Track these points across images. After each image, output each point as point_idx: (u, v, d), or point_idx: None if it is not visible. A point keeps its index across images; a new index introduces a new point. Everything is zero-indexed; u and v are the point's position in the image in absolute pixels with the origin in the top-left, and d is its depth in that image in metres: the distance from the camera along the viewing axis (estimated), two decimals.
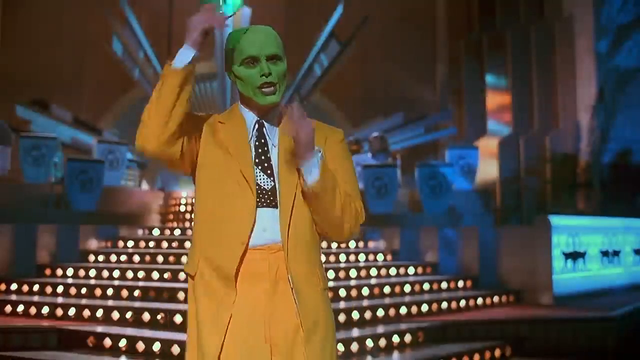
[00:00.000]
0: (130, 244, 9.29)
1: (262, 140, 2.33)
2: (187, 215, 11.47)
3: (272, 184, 2.28)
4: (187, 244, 8.82)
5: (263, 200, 2.27)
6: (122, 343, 6.19)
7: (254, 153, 2.30)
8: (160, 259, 8.52)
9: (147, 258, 8.60)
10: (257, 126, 2.34)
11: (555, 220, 9.10)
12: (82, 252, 8.95)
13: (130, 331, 6.43)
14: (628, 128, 14.50)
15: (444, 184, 9.92)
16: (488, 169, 13.66)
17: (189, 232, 9.78)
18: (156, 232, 9.94)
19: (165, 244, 9.05)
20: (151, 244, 9.22)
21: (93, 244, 9.33)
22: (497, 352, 6.93)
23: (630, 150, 14.40)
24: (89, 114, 14.45)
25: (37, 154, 9.98)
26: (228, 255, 2.26)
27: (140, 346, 6.11)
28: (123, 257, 8.73)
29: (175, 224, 11.13)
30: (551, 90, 14.79)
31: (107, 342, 6.26)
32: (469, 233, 9.45)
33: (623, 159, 14.36)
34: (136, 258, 8.64)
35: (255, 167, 2.29)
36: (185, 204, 11.67)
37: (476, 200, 10.64)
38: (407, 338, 6.65)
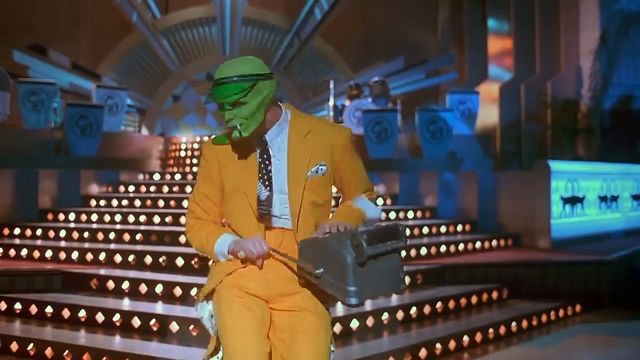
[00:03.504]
0: (132, 188, 9.34)
1: (265, 156, 2.58)
2: (187, 161, 11.50)
3: (268, 193, 2.56)
4: (188, 189, 8.88)
5: (261, 208, 2.57)
6: (125, 285, 6.30)
7: (257, 169, 2.58)
8: (161, 203, 8.59)
9: (149, 202, 8.66)
10: (261, 145, 2.59)
11: (555, 165, 9.11)
12: (83, 197, 9.00)
13: (132, 274, 6.53)
14: (630, 74, 14.38)
15: (445, 128, 9.91)
16: (488, 114, 13.62)
17: (189, 176, 9.83)
18: (157, 176, 9.98)
19: (166, 189, 9.10)
20: (152, 188, 9.27)
21: (94, 188, 9.38)
22: (495, 294, 7.03)
23: (631, 97, 14.32)
24: (87, 59, 14.32)
25: (36, 99, 9.95)
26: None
27: (143, 288, 6.21)
28: (124, 202, 8.80)
29: (175, 169, 11.17)
30: (554, 34, 14.61)
31: (110, 284, 6.37)
32: (469, 178, 9.49)
33: (624, 104, 14.28)
34: (137, 202, 8.71)
35: (258, 181, 2.57)
36: (185, 149, 11.69)
37: (476, 145, 10.65)
38: (406, 280, 6.73)
